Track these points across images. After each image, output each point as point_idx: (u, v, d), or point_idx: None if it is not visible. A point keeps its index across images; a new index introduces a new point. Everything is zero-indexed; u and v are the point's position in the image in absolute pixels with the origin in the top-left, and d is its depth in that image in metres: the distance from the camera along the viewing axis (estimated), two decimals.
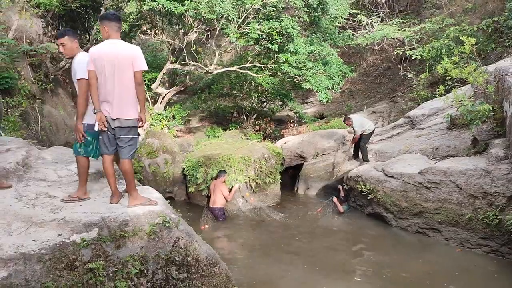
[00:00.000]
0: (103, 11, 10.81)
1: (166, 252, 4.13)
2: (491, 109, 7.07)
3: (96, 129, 4.19)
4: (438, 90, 9.17)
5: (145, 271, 3.97)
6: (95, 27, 10.40)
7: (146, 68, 4.24)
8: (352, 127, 9.72)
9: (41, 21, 11.34)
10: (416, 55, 13.21)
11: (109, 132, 4.22)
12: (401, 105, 13.91)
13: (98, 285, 3.69)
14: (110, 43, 4.17)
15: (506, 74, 6.97)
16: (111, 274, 3.79)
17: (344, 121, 10.04)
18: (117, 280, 3.79)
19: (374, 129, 9.77)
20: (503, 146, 6.91)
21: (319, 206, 9.26)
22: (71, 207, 4.23)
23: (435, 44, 12.59)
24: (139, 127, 4.39)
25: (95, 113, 4.16)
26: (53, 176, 5.14)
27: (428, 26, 13.89)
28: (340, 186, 9.41)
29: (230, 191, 8.84)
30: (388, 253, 6.76)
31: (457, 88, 8.77)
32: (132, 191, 4.30)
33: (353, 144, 10.13)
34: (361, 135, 9.61)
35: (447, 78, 9.66)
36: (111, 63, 4.08)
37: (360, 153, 9.86)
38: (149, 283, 3.98)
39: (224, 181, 8.87)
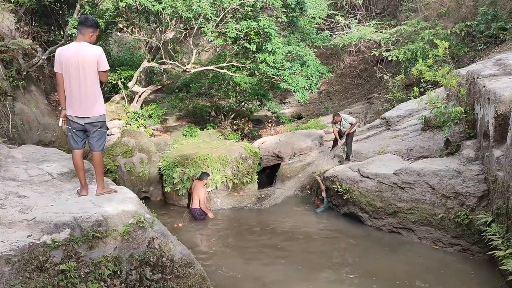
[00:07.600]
0: (78, 7, 10.57)
1: (140, 252, 4.08)
2: (463, 111, 7.25)
3: (60, 125, 4.57)
4: (413, 92, 9.33)
5: (119, 272, 3.92)
6: (69, 23, 10.15)
7: (108, 67, 4.52)
8: (342, 123, 9.64)
9: (13, 16, 11.03)
10: (392, 57, 13.41)
11: (75, 129, 4.47)
12: (377, 106, 14.10)
13: (69, 287, 3.62)
14: (74, 46, 4.40)
15: (477, 77, 7.13)
16: (83, 276, 3.72)
17: (333, 117, 9.79)
18: (90, 282, 3.72)
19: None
20: (474, 148, 7.09)
21: (300, 206, 9.36)
22: (42, 207, 4.13)
23: (411, 47, 12.81)
24: None
25: (60, 110, 4.58)
26: (23, 175, 5.01)
27: (404, 28, 14.13)
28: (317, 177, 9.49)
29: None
30: (367, 252, 6.83)
31: (431, 90, 8.95)
32: (101, 181, 4.63)
33: (336, 141, 10.05)
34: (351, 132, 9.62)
35: (422, 80, 9.87)
36: (75, 65, 4.31)
37: (345, 148, 9.82)
38: (123, 284, 3.93)
39: (205, 184, 8.82)
